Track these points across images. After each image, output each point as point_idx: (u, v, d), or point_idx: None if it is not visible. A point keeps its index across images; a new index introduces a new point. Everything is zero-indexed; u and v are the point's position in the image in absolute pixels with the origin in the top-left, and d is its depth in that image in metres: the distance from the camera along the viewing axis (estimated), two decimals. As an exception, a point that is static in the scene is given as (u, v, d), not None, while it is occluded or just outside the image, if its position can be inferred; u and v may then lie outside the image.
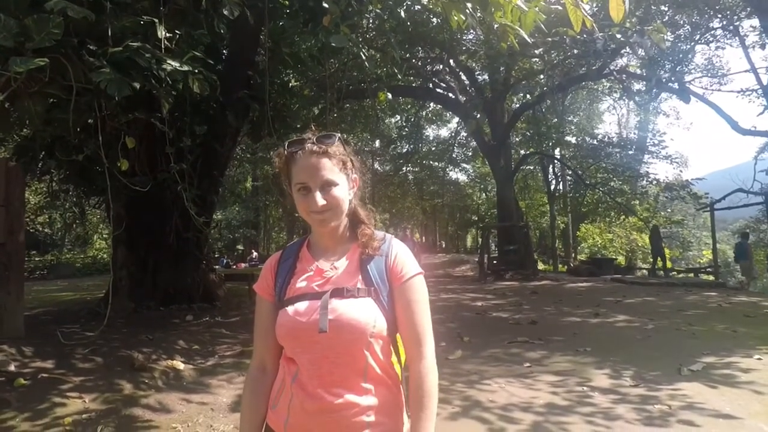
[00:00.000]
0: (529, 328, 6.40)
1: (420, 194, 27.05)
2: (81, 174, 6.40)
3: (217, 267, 10.97)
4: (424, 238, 33.89)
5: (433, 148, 25.13)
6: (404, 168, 24.04)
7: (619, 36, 9.41)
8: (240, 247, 22.43)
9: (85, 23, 4.14)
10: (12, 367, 3.53)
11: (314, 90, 10.85)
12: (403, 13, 4.55)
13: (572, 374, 4.24)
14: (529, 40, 2.83)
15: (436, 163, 25.11)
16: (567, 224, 24.81)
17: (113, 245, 7.25)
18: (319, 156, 1.06)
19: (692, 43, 14.42)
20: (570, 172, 21.87)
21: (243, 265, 18.60)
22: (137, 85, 4.37)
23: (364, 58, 3.82)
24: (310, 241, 1.18)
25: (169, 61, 4.62)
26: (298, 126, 11.15)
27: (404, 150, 23.15)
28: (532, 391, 3.81)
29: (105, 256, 17.64)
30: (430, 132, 26.63)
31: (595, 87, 20.94)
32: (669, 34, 12.06)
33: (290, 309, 1.06)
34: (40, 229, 18.27)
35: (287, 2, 7.08)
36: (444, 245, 33.06)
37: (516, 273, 13.95)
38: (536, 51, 10.62)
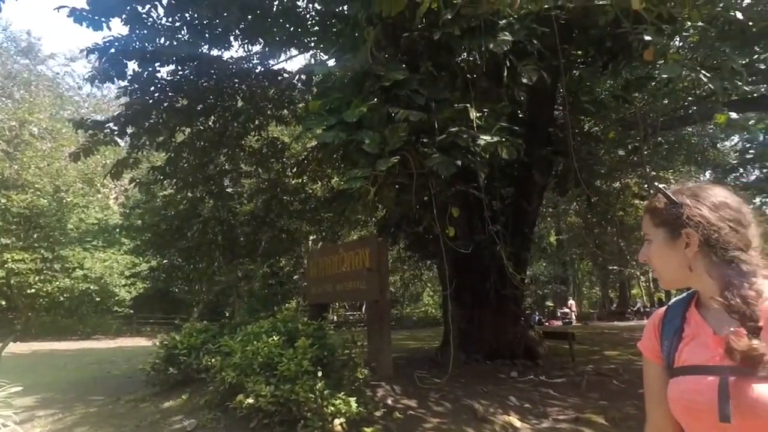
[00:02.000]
0: None
1: (791, 231, 19.98)
2: (419, 242, 7.81)
3: (531, 324, 10.94)
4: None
5: (803, 167, 18.46)
6: (756, 200, 18.47)
7: None
8: (549, 303, 21.83)
9: (419, 123, 5.24)
10: (389, 401, 4.44)
11: (619, 130, 10.00)
12: (739, 15, 3.75)
13: None
14: None
15: (813, 186, 18.21)
16: None
17: (445, 302, 8.34)
18: (645, 212, 1.08)
19: None
20: None
21: (556, 322, 17.95)
22: (459, 163, 5.11)
23: (705, 79, 3.27)
24: (699, 298, 1.01)
25: (482, 137, 5.24)
26: (603, 171, 10.41)
27: (752, 177, 17.93)
28: None
29: (433, 310, 20.44)
30: (792, 146, 19.85)
31: None
32: None
33: (681, 382, 0.94)
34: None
35: (581, 52, 7.01)
36: None
37: None
38: None
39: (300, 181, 10.32)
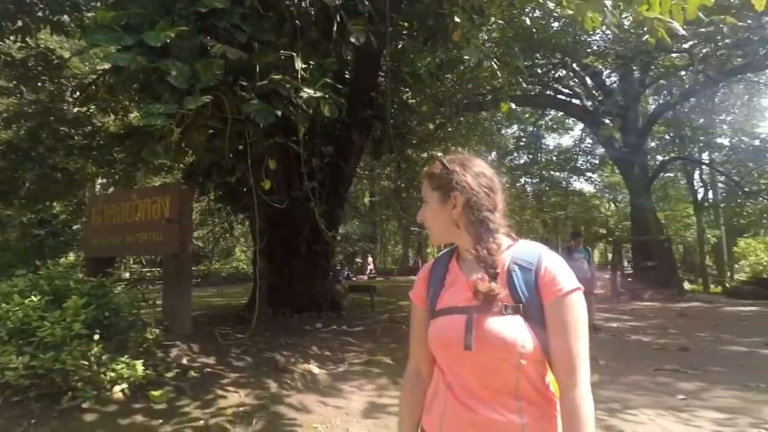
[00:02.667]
0: (678, 356, 5.75)
1: (540, 206, 25.67)
2: (231, 194, 7.31)
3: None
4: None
5: (554, 158, 23.69)
6: (522, 179, 23.04)
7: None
8: (359, 259, 23.47)
9: (238, 62, 4.76)
10: (184, 361, 4.12)
11: (431, 105, 11.02)
12: (528, 21, 4.40)
13: (742, 412, 3.71)
14: (684, 32, 2.53)
15: (558, 174, 23.61)
16: (720, 238, 21.34)
17: (255, 257, 8.10)
18: (424, 177, 1.19)
19: None
20: (722, 179, 18.92)
21: (363, 277, 19.43)
22: (279, 113, 4.87)
23: (495, 67, 3.77)
24: (459, 251, 1.18)
25: (305, 89, 5.07)
26: (415, 141, 11.42)
27: (522, 161, 22.24)
28: (691, 428, 3.44)
29: (245, 266, 19.80)
30: (550, 141, 25.28)
31: (756, 79, 17.85)
32: None
33: (439, 322, 1.10)
34: (195, 242, 21.29)
35: (407, 24, 7.35)
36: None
37: (656, 292, 12.62)
38: (684, 45, 9.46)
39: (85, 110, 8.46)
